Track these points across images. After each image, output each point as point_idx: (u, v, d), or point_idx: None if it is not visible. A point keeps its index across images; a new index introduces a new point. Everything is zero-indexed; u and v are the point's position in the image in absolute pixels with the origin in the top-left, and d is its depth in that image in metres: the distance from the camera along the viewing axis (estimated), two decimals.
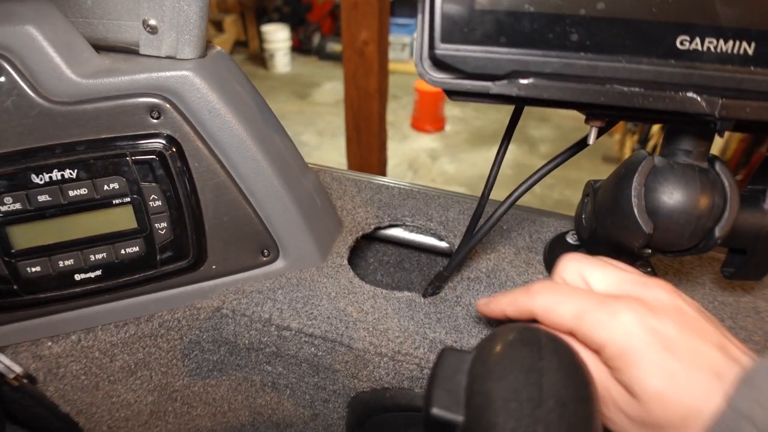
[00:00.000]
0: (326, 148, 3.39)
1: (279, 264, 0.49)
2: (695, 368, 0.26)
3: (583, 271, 0.33)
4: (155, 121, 0.41)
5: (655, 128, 2.78)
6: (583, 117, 0.33)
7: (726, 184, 0.33)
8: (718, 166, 0.33)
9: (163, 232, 0.43)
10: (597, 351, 0.29)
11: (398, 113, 3.75)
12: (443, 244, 0.58)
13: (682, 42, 0.25)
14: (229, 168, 0.45)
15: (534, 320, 0.32)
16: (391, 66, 2.42)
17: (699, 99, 0.26)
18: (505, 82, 0.28)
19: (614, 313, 0.28)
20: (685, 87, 0.26)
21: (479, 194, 0.47)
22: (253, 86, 0.48)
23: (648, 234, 0.34)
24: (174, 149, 0.42)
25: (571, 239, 0.54)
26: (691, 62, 0.26)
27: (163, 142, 0.42)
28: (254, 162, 0.45)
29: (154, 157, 0.41)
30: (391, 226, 0.59)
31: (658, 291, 0.30)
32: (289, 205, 0.47)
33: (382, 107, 1.70)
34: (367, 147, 1.72)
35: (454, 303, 0.47)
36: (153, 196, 0.42)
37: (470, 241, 0.48)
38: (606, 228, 0.38)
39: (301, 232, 0.49)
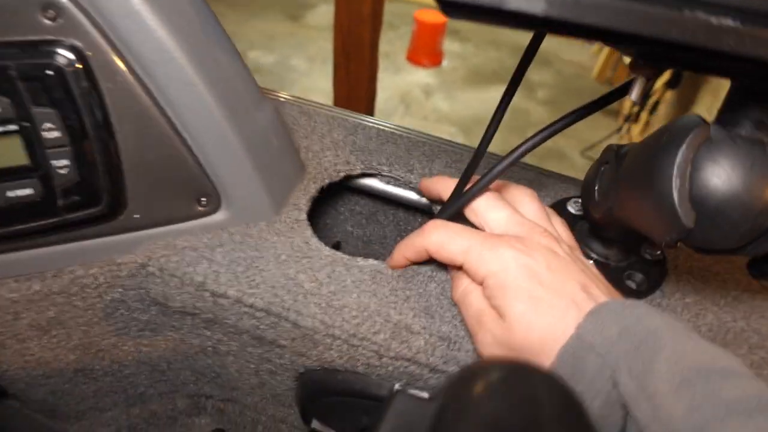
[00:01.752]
0: (316, 74, 3.21)
1: (220, 215, 0.41)
2: (557, 297, 0.30)
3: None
4: (51, 23, 0.31)
5: (660, 81, 2.63)
6: (588, 57, 0.23)
7: None
8: None
9: (64, 172, 0.34)
10: (481, 282, 0.33)
11: (394, 43, 3.54)
12: (424, 200, 0.50)
13: None
14: (155, 93, 0.35)
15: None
16: None
17: None
18: None
19: (495, 249, 0.32)
20: None
21: (471, 137, 0.38)
22: None
23: (687, 228, 0.25)
24: (79, 64, 0.32)
25: (573, 208, 0.46)
26: None
27: (64, 53, 0.32)
28: (189, 87, 0.35)
29: (50, 72, 0.31)
30: (363, 175, 0.50)
31: (534, 234, 0.34)
32: (235, 143, 0.38)
33: (374, 34, 1.55)
34: (356, 77, 1.58)
35: (428, 278, 0.40)
36: (48, 124, 0.32)
37: (457, 202, 0.39)
38: (628, 210, 0.30)
39: (249, 178, 0.40)
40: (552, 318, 0.30)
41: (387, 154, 0.50)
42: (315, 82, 3.12)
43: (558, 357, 0.28)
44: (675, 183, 0.25)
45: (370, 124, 0.54)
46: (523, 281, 0.31)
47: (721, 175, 0.24)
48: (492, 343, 0.32)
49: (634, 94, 0.24)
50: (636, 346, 0.26)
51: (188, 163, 0.38)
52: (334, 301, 0.37)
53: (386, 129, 0.54)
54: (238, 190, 0.40)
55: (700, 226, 0.26)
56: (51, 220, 0.35)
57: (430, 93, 3.12)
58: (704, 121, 0.26)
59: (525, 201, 0.39)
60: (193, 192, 0.39)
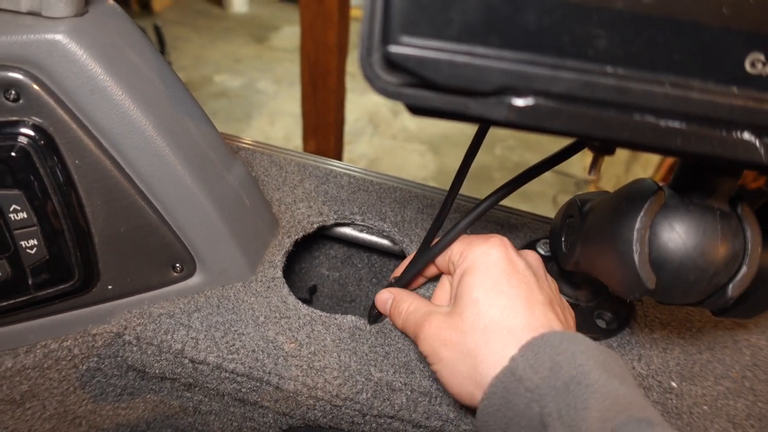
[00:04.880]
0: (283, 96, 3.20)
1: (196, 279, 0.40)
2: (518, 297, 0.30)
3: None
4: (13, 104, 0.31)
5: None
6: None
7: (748, 233, 0.26)
8: (740, 210, 0.26)
9: (33, 251, 0.33)
10: (463, 264, 0.34)
11: None
12: (397, 247, 0.51)
13: (754, 63, 0.17)
14: (124, 165, 0.35)
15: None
16: (355, 12, 2.25)
17: (757, 144, 0.19)
18: (491, 100, 0.19)
19: (488, 240, 0.34)
20: (742, 126, 0.18)
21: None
22: (158, 54, 0.37)
23: (648, 289, 0.27)
24: (43, 142, 0.32)
25: (542, 249, 0.47)
26: (760, 92, 0.18)
27: (27, 132, 0.31)
28: (158, 157, 0.35)
29: (14, 154, 0.31)
30: (337, 225, 0.51)
31: (525, 254, 0.36)
32: (208, 208, 0.38)
33: (341, 62, 1.56)
34: (324, 105, 1.59)
35: None
36: (14, 206, 0.32)
37: (426, 255, 0.40)
38: (594, 268, 0.31)
39: (224, 241, 0.40)
40: (503, 324, 0.29)
41: (359, 202, 0.51)
42: (283, 105, 3.12)
43: (490, 386, 0.28)
44: (635, 248, 0.26)
45: (342, 171, 0.55)
46: (494, 270, 0.32)
47: (676, 241, 0.26)
48: (443, 330, 0.32)
49: (592, 171, 0.25)
50: (566, 384, 0.25)
51: (161, 231, 0.37)
52: (315, 363, 0.37)
53: (357, 175, 0.55)
54: (213, 253, 0.40)
55: (661, 286, 0.27)
56: (22, 299, 0.34)
57: (397, 112, 3.15)
58: (659, 186, 0.27)
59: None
60: (167, 259, 0.39)
